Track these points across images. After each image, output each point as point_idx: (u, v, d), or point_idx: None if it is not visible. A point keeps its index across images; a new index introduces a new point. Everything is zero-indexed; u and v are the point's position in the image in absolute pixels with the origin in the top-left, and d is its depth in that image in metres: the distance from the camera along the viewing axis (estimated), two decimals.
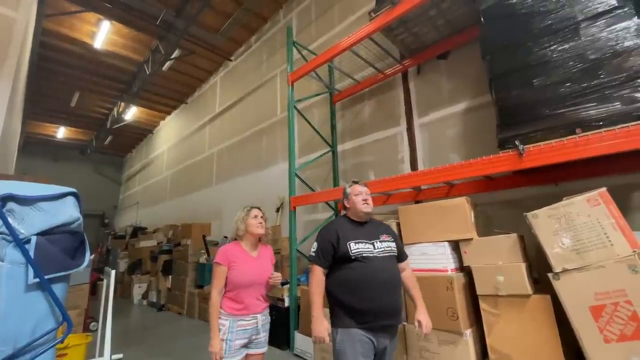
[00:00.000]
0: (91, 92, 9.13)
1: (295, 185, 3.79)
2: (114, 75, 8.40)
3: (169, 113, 10.79)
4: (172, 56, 7.11)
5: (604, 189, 1.69)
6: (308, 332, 2.97)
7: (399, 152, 3.82)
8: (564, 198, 1.82)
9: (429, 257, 2.29)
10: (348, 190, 1.89)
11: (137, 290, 7.27)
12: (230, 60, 7.71)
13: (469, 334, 2.03)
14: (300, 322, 3.24)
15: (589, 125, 1.86)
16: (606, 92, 1.82)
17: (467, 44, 3.26)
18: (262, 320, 1.88)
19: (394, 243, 1.82)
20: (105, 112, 10.52)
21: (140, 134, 12.35)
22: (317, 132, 4.52)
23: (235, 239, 1.98)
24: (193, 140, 8.98)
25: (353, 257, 1.65)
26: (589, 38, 1.88)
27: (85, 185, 13.09)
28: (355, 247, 1.67)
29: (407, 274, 1.87)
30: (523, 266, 1.94)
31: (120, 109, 9.64)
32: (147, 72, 7.61)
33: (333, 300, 1.69)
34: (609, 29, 1.82)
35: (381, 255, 1.71)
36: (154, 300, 6.72)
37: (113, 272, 2.97)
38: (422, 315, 1.73)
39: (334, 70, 4.50)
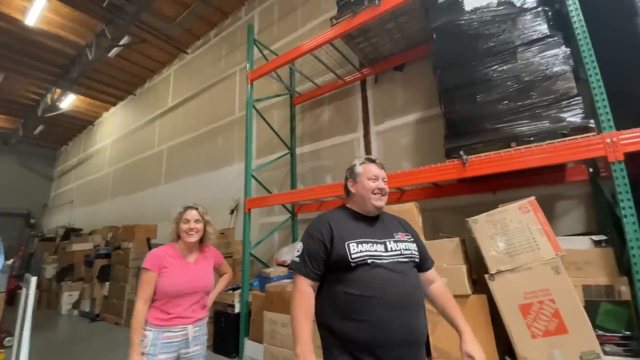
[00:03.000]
0: (19, 75, 8.07)
1: (252, 186, 3.69)
2: (49, 58, 7.52)
3: (113, 104, 9.92)
4: (121, 43, 6.57)
5: (533, 198, 1.88)
6: (258, 339, 2.89)
7: (355, 157, 3.89)
8: (500, 205, 1.99)
9: None
10: (359, 168, 1.37)
11: (67, 299, 6.50)
12: (187, 53, 7.33)
13: None
14: (250, 329, 3.14)
15: (522, 140, 2.06)
16: (537, 111, 2.03)
17: (421, 58, 3.46)
18: (195, 331, 1.68)
19: (415, 244, 1.32)
20: (36, 98, 9.35)
21: (79, 125, 11.17)
22: (276, 134, 4.47)
23: (171, 241, 1.82)
24: (141, 135, 8.35)
25: (354, 264, 1.17)
26: (524, 61, 2.09)
27: (7, 180, 11.51)
28: (357, 250, 1.19)
29: (438, 287, 1.36)
30: (464, 268, 2.08)
31: (56, 96, 8.64)
32: (90, 58, 6.93)
33: (325, 332, 1.20)
34: (541, 54, 2.04)
35: (396, 260, 1.22)
36: (87, 310, 6.07)
37: (34, 279, 2.62)
38: (471, 345, 1.20)
39: (295, 73, 4.48)
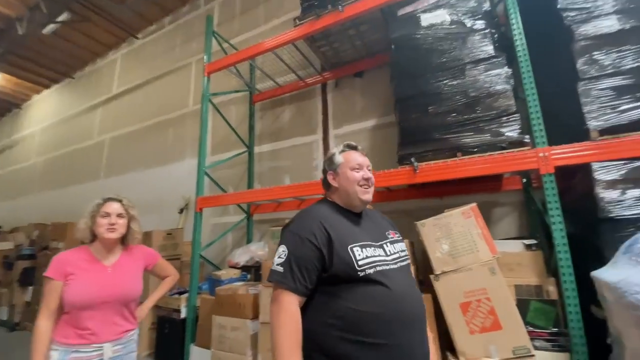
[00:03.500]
0: None
1: (204, 185, 3.52)
2: None
3: (47, 86, 8.85)
4: (58, 19, 5.88)
5: (474, 204, 2.04)
6: (206, 344, 2.76)
7: (314, 159, 3.93)
8: (445, 210, 2.12)
9: None
10: (339, 158, 1.21)
11: None
12: (137, 38, 6.79)
13: None
14: (197, 334, 2.98)
15: (467, 151, 2.22)
16: (480, 125, 2.21)
17: (380, 66, 3.58)
18: (115, 351, 1.41)
19: (404, 243, 1.19)
20: None
21: (2, 107, 9.78)
22: (234, 131, 4.32)
23: (82, 242, 1.53)
24: (78, 122, 7.54)
25: (362, 273, 0.97)
26: (471, 78, 2.26)
27: None
28: (363, 255, 1.00)
29: None
30: (412, 269, 2.19)
31: None
32: (20, 33, 6.10)
33: (321, 352, 0.95)
34: (486, 73, 2.22)
35: (398, 265, 1.07)
36: (5, 318, 5.32)
37: None
38: None
39: (256, 70, 4.38)
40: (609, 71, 1.84)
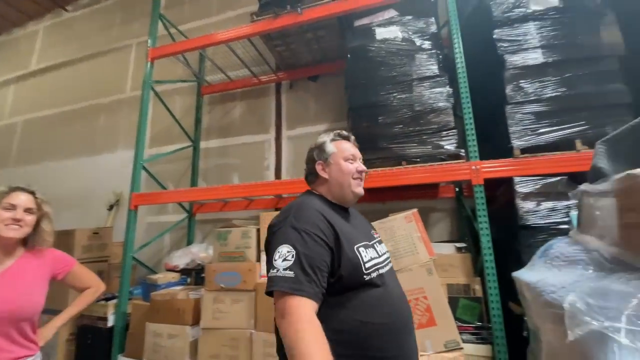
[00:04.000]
0: None
1: (141, 180, 3.23)
2: None
3: None
4: None
5: (415, 210, 2.19)
6: (136, 355, 2.53)
7: (266, 159, 3.86)
8: (390, 214, 2.25)
9: None
10: (330, 147, 1.13)
11: None
12: (66, 10, 5.96)
13: None
14: (127, 344, 2.72)
15: (411, 160, 2.38)
16: (423, 137, 2.39)
17: (334, 73, 3.66)
18: None
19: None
20: None
21: None
22: (178, 123, 4.03)
23: None
24: None
25: (367, 279, 0.89)
26: (417, 94, 2.43)
27: None
28: (368, 257, 0.94)
29: None
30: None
31: None
32: None
33: None
34: (430, 90, 2.41)
35: (389, 267, 1.03)
36: None
37: None
38: None
39: (206, 60, 4.16)
40: (532, 98, 2.13)
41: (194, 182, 4.03)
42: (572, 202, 1.80)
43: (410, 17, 2.58)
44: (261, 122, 4.01)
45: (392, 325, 0.87)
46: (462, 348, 1.83)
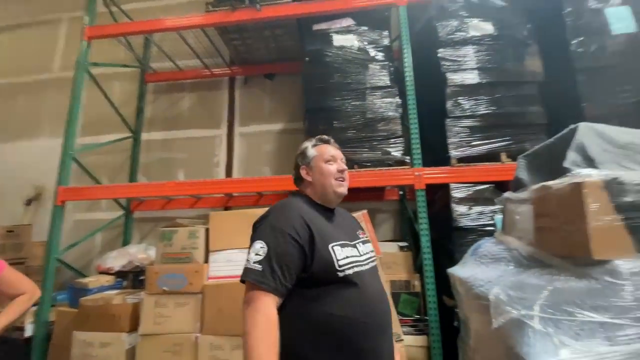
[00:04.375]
0: None
1: (70, 172, 2.87)
2: None
3: None
4: None
5: (365, 211, 2.31)
6: None
7: (216, 155, 3.71)
8: None
9: (234, 263, 2.31)
10: (312, 151, 1.18)
11: None
12: None
13: None
14: (49, 356, 2.41)
15: (362, 164, 2.51)
16: (374, 143, 2.53)
17: (291, 73, 3.67)
18: None
19: (371, 244, 1.17)
20: None
21: None
22: (117, 111, 3.66)
23: None
24: None
25: (342, 275, 0.94)
26: (370, 102, 2.56)
27: None
28: (343, 255, 0.98)
29: None
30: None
31: None
32: None
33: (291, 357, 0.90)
34: (381, 99, 2.56)
35: (369, 266, 1.06)
36: None
37: None
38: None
39: (152, 46, 3.86)
40: (468, 114, 2.39)
41: (132, 177, 3.71)
42: (497, 207, 2.07)
43: (366, 28, 2.72)
44: (212, 117, 3.85)
45: (365, 321, 0.93)
46: (402, 340, 1.98)
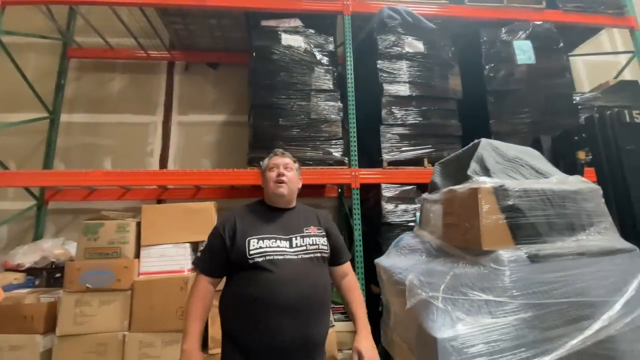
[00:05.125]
0: None
1: None
2: None
3: None
4: None
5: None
6: None
7: (149, 144, 3.49)
8: None
9: (167, 258, 2.24)
10: (264, 163, 1.39)
11: None
12: None
13: None
14: None
15: (305, 162, 2.61)
16: (317, 143, 2.66)
17: (237, 65, 3.61)
18: None
19: (325, 238, 1.30)
20: None
21: None
22: (31, 87, 3.18)
23: None
24: None
25: (252, 262, 1.13)
26: (314, 103, 2.68)
27: None
28: (257, 246, 1.16)
29: (349, 282, 1.38)
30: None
31: None
32: None
33: (222, 329, 1.20)
34: (325, 102, 2.70)
35: (299, 257, 1.19)
36: None
37: None
38: (363, 342, 1.19)
39: (77, 17, 3.45)
40: (399, 122, 2.67)
41: (48, 163, 3.29)
42: (417, 205, 2.36)
43: (313, 31, 2.82)
44: (146, 102, 3.60)
45: (272, 301, 1.10)
46: (334, 325, 2.15)
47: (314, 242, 1.25)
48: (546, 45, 2.91)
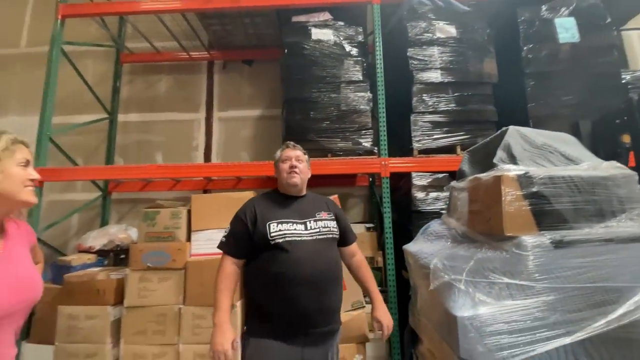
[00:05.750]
0: None
1: (47, 153, 2.88)
2: None
3: None
4: None
5: (336, 195, 2.53)
6: (46, 340, 2.40)
7: (194, 139, 3.79)
8: None
9: (214, 241, 2.44)
10: (277, 154, 1.53)
11: None
12: None
13: (239, 305, 2.42)
14: (32, 330, 2.52)
15: (335, 153, 2.72)
16: (346, 134, 2.73)
17: (270, 60, 3.76)
18: None
19: (335, 222, 1.48)
20: None
21: None
22: (92, 91, 3.62)
23: None
24: None
25: (273, 243, 1.32)
26: (344, 95, 2.75)
27: None
28: (277, 229, 1.34)
29: (358, 261, 1.57)
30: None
31: None
32: None
33: (247, 301, 1.43)
34: (354, 93, 2.76)
35: (314, 238, 1.38)
36: None
37: None
38: (381, 311, 1.47)
39: (127, 25, 3.80)
40: (431, 110, 2.65)
41: (109, 158, 3.73)
42: (447, 193, 2.37)
43: (342, 23, 2.87)
44: (190, 100, 3.90)
45: (286, 275, 1.29)
46: (364, 307, 2.28)
47: (326, 225, 1.43)
48: (591, 21, 2.69)
